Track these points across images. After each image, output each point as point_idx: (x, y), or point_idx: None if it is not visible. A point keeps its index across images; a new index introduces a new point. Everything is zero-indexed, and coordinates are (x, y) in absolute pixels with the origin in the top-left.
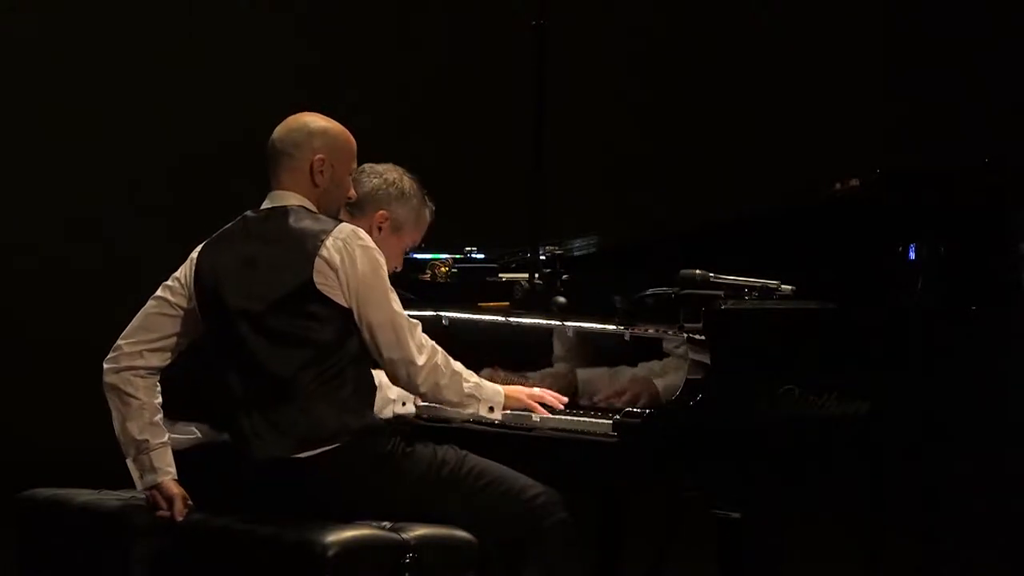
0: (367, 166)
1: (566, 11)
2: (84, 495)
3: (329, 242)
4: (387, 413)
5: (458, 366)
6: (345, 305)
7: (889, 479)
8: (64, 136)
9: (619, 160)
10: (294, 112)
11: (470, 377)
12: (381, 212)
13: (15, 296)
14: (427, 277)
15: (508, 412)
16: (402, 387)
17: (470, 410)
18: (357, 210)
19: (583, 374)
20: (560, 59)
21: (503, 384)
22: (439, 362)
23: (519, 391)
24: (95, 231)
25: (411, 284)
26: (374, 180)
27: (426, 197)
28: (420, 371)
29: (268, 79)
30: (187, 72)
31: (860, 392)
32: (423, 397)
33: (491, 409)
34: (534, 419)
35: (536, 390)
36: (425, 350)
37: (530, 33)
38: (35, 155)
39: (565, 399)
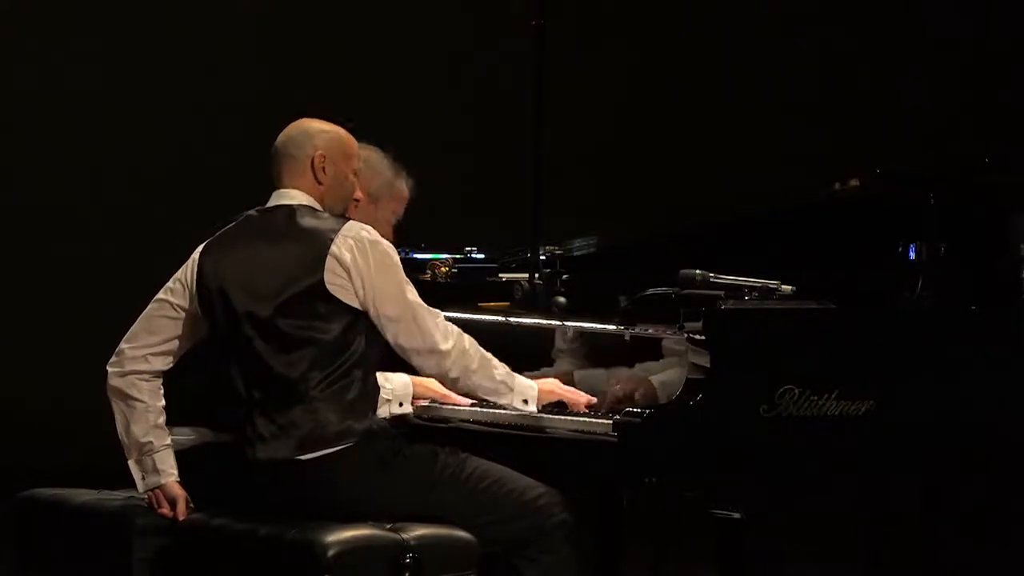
0: None
1: (566, 11)
2: (84, 495)
3: (339, 240)
4: (382, 413)
5: (487, 353)
6: (356, 305)
7: (889, 479)
8: (68, 131)
9: (619, 160)
10: (297, 110)
11: (500, 365)
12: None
13: (16, 296)
14: (427, 277)
15: (505, 412)
16: (433, 377)
17: (504, 400)
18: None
19: (580, 375)
20: (560, 59)
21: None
22: (467, 347)
23: (552, 386)
24: (95, 233)
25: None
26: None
27: (403, 171)
28: (447, 357)
29: (270, 78)
30: (193, 70)
31: (860, 392)
32: (455, 385)
33: (525, 402)
34: (533, 419)
35: (568, 388)
36: (451, 336)
37: (530, 33)
38: (36, 152)
39: (594, 400)
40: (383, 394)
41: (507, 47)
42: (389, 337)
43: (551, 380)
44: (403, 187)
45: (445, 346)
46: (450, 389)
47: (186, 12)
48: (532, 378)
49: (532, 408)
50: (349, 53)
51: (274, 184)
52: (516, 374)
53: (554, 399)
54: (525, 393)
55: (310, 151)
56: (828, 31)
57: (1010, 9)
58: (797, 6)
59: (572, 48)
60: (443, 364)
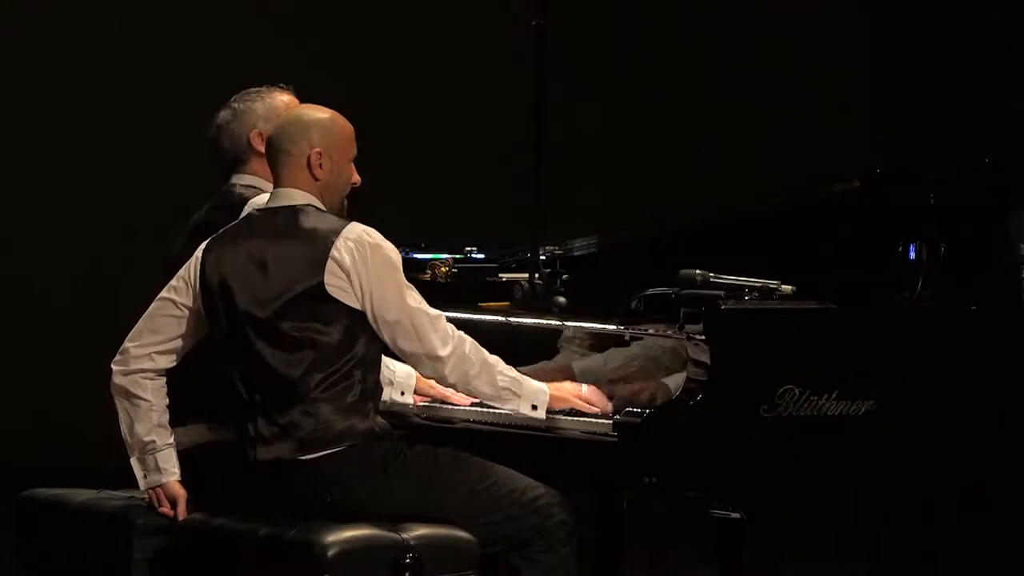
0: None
1: (566, 11)
2: (84, 495)
3: (340, 243)
4: (383, 397)
5: (493, 358)
6: (356, 307)
7: (889, 479)
8: (67, 130)
9: (619, 160)
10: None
11: (507, 371)
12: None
13: (15, 296)
14: (427, 277)
15: (506, 411)
16: (434, 380)
17: (509, 406)
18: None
19: (579, 365)
20: (560, 59)
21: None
22: (467, 351)
23: (567, 392)
24: (96, 232)
25: (411, 284)
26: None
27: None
28: (446, 363)
29: (269, 75)
30: (197, 70)
31: (860, 392)
32: (455, 388)
33: (534, 407)
34: (534, 419)
35: (584, 390)
36: (451, 340)
37: (530, 33)
38: (32, 151)
39: (610, 405)
40: (386, 374)
41: (507, 47)
42: (387, 340)
43: (567, 386)
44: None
45: (443, 352)
46: (437, 397)
47: (196, 11)
48: (533, 371)
49: (541, 414)
50: (348, 53)
51: (271, 175)
52: (527, 379)
53: (566, 407)
54: (535, 398)
55: (305, 148)
56: (828, 31)
57: (1010, 9)
58: (797, 6)
59: (572, 48)
60: (440, 369)
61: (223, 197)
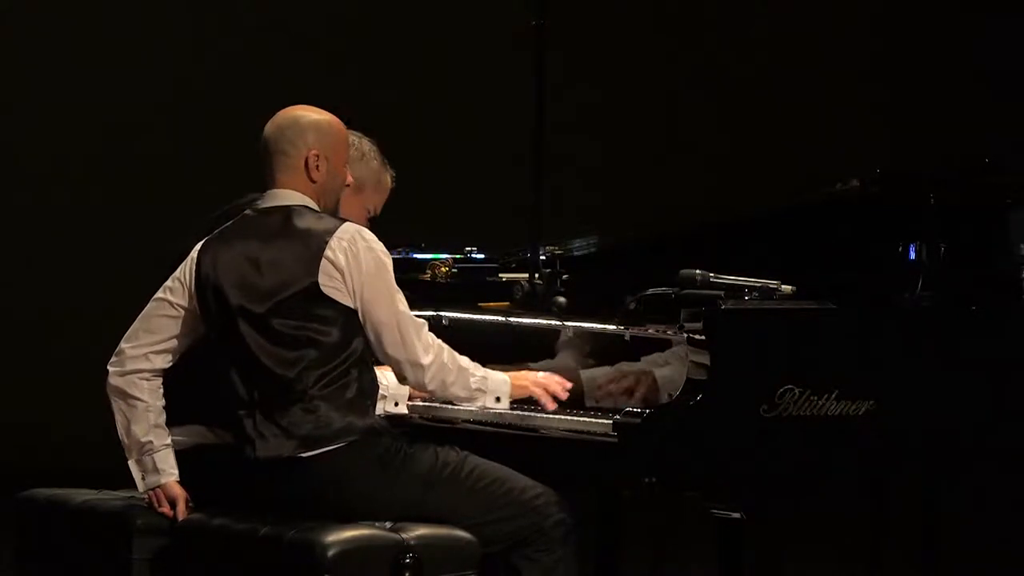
0: None
1: (566, 11)
2: (84, 495)
3: (334, 242)
4: (377, 410)
5: (465, 361)
6: (351, 306)
7: (889, 479)
8: (69, 130)
9: (619, 160)
10: (292, 106)
11: (476, 371)
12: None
13: (18, 294)
14: (427, 277)
15: (508, 411)
16: (411, 386)
17: (479, 403)
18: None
19: (587, 374)
20: (560, 59)
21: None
22: (446, 360)
23: (525, 380)
24: (95, 231)
25: (411, 284)
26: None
27: (386, 163)
28: (427, 371)
29: (269, 74)
30: (194, 71)
31: (860, 392)
32: (432, 395)
33: (497, 399)
34: (534, 418)
35: (541, 375)
36: (432, 350)
37: (530, 33)
38: (32, 152)
39: (570, 385)
40: (380, 390)
41: (507, 47)
42: (372, 341)
43: (525, 375)
44: (388, 180)
45: (425, 360)
46: (427, 397)
47: (198, 12)
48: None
49: (504, 405)
50: (348, 53)
51: (265, 179)
52: (490, 372)
53: (526, 395)
54: (498, 390)
55: (303, 149)
56: (828, 32)
57: (1009, 9)
58: (797, 8)
59: (572, 48)
60: (420, 377)
61: (240, 204)
